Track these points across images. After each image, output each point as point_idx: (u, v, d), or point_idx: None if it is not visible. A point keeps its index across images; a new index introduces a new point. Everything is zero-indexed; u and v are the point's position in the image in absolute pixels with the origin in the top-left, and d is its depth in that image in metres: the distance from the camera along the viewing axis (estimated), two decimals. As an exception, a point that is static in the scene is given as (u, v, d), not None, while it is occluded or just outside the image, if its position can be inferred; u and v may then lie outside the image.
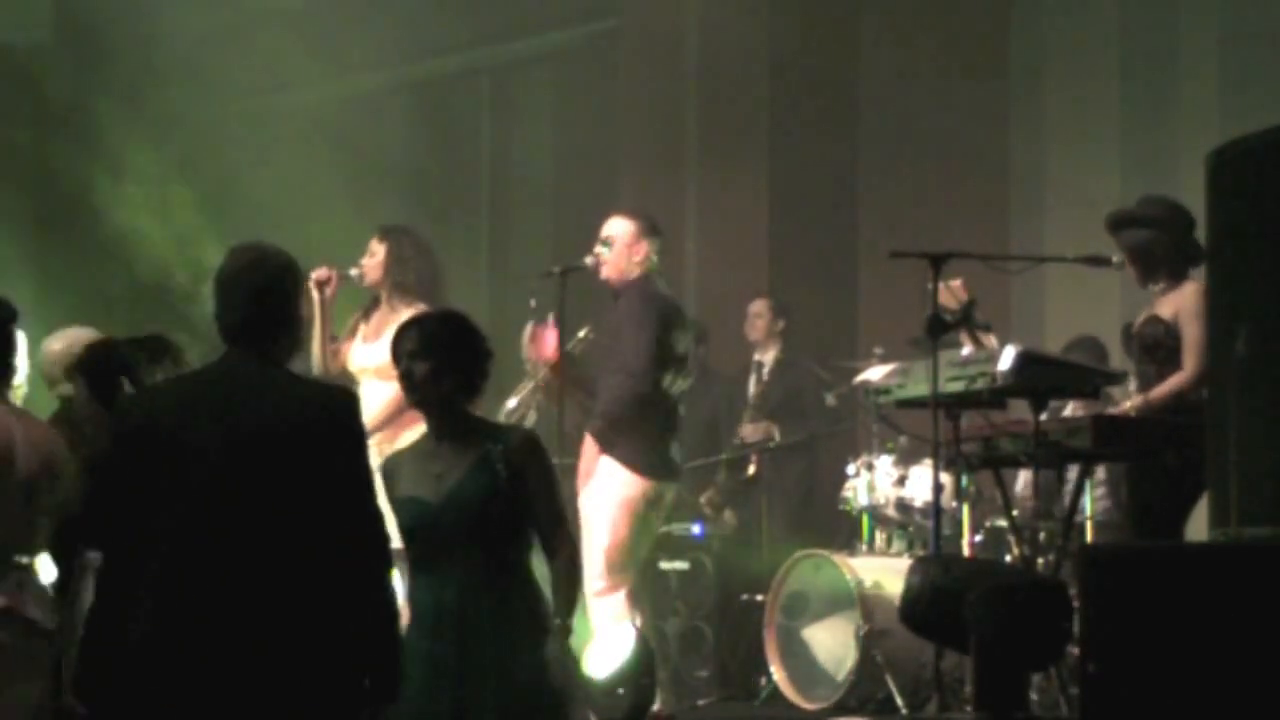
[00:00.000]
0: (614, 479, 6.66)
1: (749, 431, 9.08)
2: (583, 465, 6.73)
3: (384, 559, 3.96)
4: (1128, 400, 6.65)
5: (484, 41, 11.78)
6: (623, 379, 6.66)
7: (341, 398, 4.03)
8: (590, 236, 7.02)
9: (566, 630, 4.58)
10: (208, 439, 3.83)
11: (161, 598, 3.78)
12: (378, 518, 3.96)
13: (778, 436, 8.93)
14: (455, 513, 4.55)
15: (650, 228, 6.92)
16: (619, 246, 6.87)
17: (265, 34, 10.56)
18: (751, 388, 9.30)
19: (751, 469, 8.98)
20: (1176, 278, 6.47)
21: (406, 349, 4.68)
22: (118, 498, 3.88)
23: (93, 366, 5.26)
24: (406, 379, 4.66)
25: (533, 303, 7.03)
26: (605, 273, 6.90)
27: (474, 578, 4.53)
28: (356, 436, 3.96)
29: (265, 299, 3.97)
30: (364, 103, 11.54)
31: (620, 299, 6.85)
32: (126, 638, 3.76)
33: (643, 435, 6.69)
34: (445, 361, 4.64)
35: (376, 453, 5.65)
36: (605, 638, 6.40)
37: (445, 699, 4.48)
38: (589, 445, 6.71)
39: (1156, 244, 6.50)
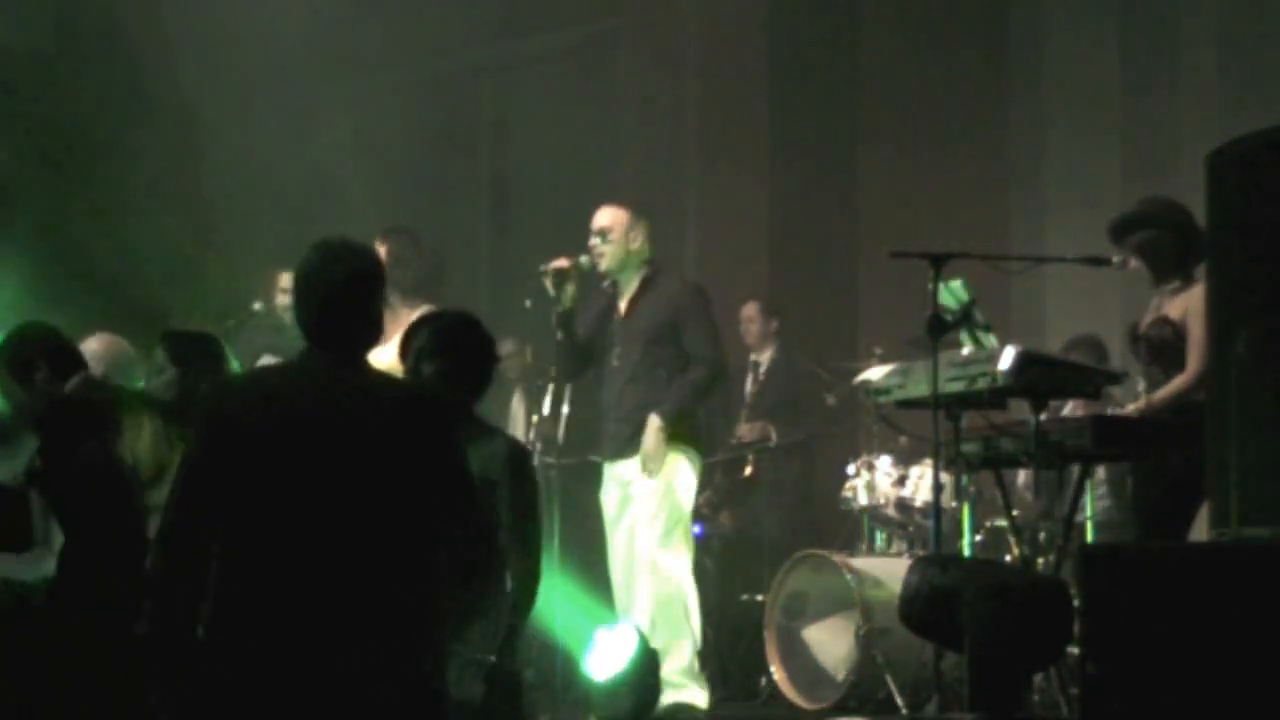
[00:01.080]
0: (684, 462, 6.83)
1: (745, 432, 9.08)
2: (641, 454, 6.81)
3: (489, 551, 3.94)
4: (1132, 403, 6.63)
5: (484, 41, 11.78)
6: (703, 371, 6.87)
7: (437, 398, 4.02)
8: (590, 236, 7.03)
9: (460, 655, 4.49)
10: (306, 435, 3.73)
11: (251, 591, 3.70)
12: (475, 515, 3.94)
13: (774, 437, 8.93)
14: None
15: (641, 213, 6.98)
16: (616, 236, 6.92)
17: (265, 35, 10.55)
18: (748, 387, 9.30)
19: (748, 469, 8.99)
20: (1187, 278, 6.44)
21: (417, 345, 4.65)
22: (208, 490, 3.75)
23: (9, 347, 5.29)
24: (413, 376, 4.64)
25: (528, 303, 7.03)
26: (605, 264, 6.94)
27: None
28: (454, 436, 3.90)
29: (347, 299, 3.86)
30: (364, 103, 11.53)
31: (654, 287, 6.93)
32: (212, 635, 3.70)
33: (697, 415, 7.00)
34: (454, 364, 4.63)
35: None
36: (606, 638, 6.41)
37: None
38: (648, 433, 6.79)
39: (1165, 242, 6.47)
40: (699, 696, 6.80)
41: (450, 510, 3.83)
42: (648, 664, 6.34)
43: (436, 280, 7.22)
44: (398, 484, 3.76)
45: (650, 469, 6.75)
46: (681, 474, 6.84)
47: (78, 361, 5.36)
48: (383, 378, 3.97)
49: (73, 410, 5.17)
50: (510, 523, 4.64)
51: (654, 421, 6.75)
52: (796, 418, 9.03)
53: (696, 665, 6.83)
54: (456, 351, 4.65)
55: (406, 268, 7.16)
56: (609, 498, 6.96)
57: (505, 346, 9.16)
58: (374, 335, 3.96)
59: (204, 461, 3.77)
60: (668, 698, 6.72)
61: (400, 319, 7.05)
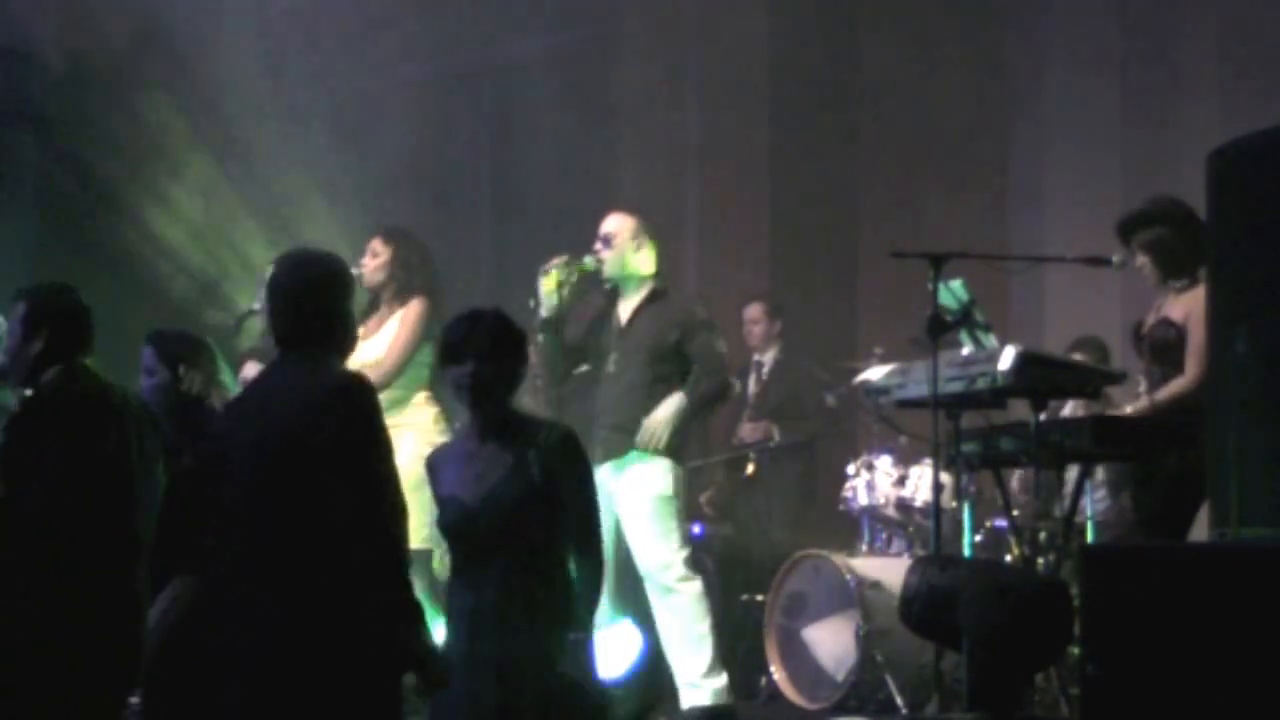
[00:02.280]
0: (661, 472, 6.76)
1: (748, 431, 9.08)
2: (648, 421, 6.79)
3: (395, 546, 4.00)
4: (1131, 405, 6.62)
5: (484, 41, 11.78)
6: (716, 381, 6.89)
7: (349, 381, 4.05)
8: (590, 237, 7.04)
9: (586, 635, 4.62)
10: (240, 446, 3.94)
11: (208, 599, 3.96)
12: (392, 508, 4.01)
13: (776, 436, 8.93)
14: (492, 515, 4.53)
15: (648, 224, 6.99)
16: (619, 243, 6.93)
17: (266, 35, 10.56)
18: (751, 387, 9.30)
19: (750, 469, 8.98)
20: (1194, 278, 6.40)
21: (473, 348, 4.61)
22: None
23: None
24: (475, 378, 4.60)
25: (532, 303, 7.03)
26: (606, 270, 6.96)
27: (511, 578, 4.52)
28: (366, 418, 3.98)
29: (306, 306, 4.02)
30: (365, 103, 11.54)
31: (661, 302, 6.92)
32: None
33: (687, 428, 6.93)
34: (506, 361, 4.64)
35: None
36: (608, 637, 6.41)
37: (486, 700, 4.48)
38: (666, 404, 6.77)
39: (1175, 239, 6.45)
40: (707, 695, 6.80)
41: (368, 506, 3.94)
42: (650, 664, 6.34)
43: (434, 283, 7.24)
44: (311, 476, 3.89)
45: (646, 442, 6.73)
46: (664, 478, 6.80)
47: (77, 346, 4.87)
48: (310, 372, 4.04)
49: (45, 409, 4.78)
50: (579, 510, 4.68)
51: (679, 399, 6.75)
52: (799, 418, 9.03)
53: (709, 661, 6.81)
54: (506, 350, 4.66)
55: (411, 271, 7.18)
56: None
57: None
58: (336, 335, 4.08)
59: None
60: (686, 698, 6.74)
61: (382, 317, 7.12)
